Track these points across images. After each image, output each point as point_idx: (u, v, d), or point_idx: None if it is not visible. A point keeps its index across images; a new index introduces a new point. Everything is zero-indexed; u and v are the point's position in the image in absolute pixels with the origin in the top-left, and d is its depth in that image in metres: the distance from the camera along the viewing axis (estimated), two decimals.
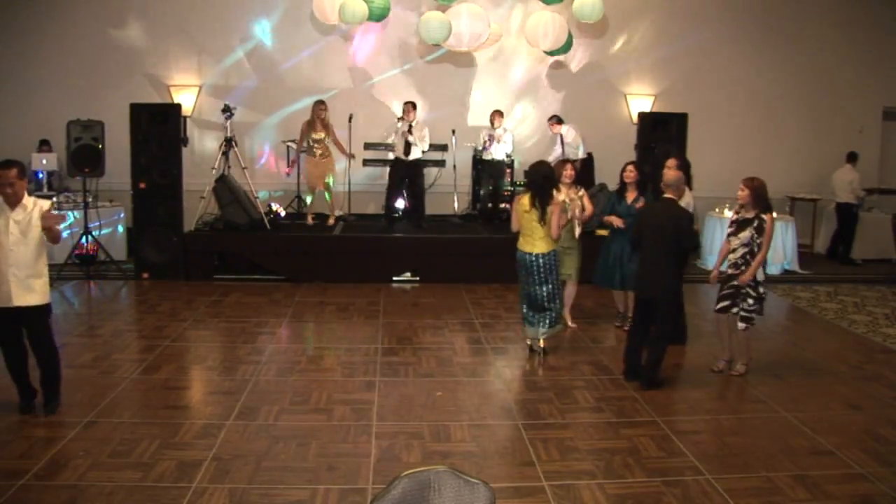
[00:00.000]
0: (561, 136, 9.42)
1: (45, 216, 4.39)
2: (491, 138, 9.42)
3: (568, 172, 6.34)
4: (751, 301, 5.34)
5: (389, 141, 9.56)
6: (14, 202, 4.37)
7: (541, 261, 5.67)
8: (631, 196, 6.41)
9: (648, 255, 5.23)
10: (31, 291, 4.40)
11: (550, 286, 5.71)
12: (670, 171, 5.50)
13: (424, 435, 4.35)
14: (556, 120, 9.50)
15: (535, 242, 5.67)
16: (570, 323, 6.71)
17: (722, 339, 5.64)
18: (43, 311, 4.51)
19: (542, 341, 5.85)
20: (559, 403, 4.92)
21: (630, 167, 6.47)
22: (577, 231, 6.35)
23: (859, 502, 3.68)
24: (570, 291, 6.61)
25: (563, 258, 6.17)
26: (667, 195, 5.28)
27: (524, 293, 5.84)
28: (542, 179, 5.66)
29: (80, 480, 3.70)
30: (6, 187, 4.31)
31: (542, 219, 5.60)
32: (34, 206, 4.44)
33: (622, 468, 3.99)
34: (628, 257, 6.25)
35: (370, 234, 8.85)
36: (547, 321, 5.79)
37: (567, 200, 6.08)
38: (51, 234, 4.44)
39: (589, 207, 6.35)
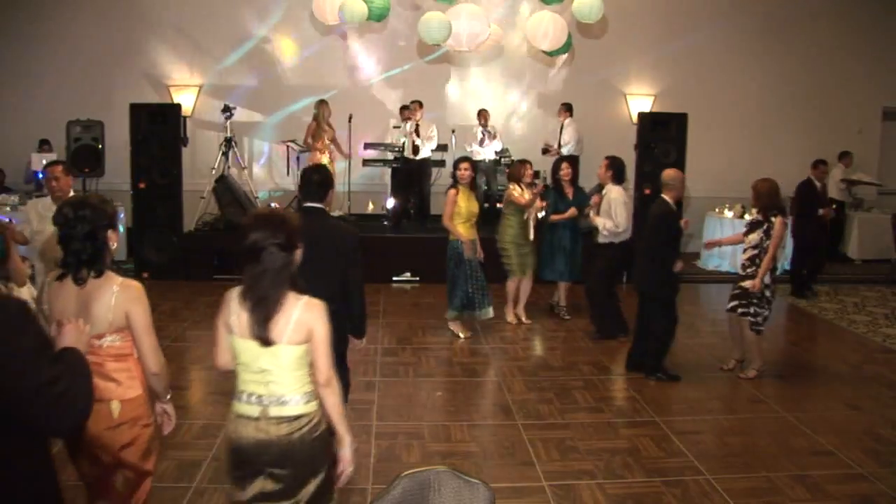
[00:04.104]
0: (562, 126, 9.41)
1: None
2: (486, 135, 9.43)
3: (528, 171, 6.62)
4: (758, 308, 5.30)
5: (389, 140, 9.55)
6: (58, 198, 4.62)
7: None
8: (569, 192, 6.83)
9: (640, 249, 5.50)
10: None
11: (447, 273, 6.20)
12: (667, 170, 5.54)
13: (424, 435, 4.35)
14: (566, 108, 9.49)
15: None
16: (523, 319, 6.84)
17: (733, 339, 5.64)
18: None
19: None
20: (559, 403, 4.93)
21: (565, 164, 6.88)
22: (531, 233, 6.62)
23: (859, 502, 3.69)
24: (524, 287, 6.79)
25: (518, 256, 6.57)
26: (662, 194, 5.36)
27: None
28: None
29: (81, 480, 3.69)
30: (51, 181, 4.70)
31: None
32: None
33: (622, 468, 3.99)
34: (556, 250, 6.76)
35: (370, 234, 8.85)
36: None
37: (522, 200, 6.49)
38: None
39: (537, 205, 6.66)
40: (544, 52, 7.51)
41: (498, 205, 9.41)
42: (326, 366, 2.36)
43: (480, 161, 9.54)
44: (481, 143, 9.47)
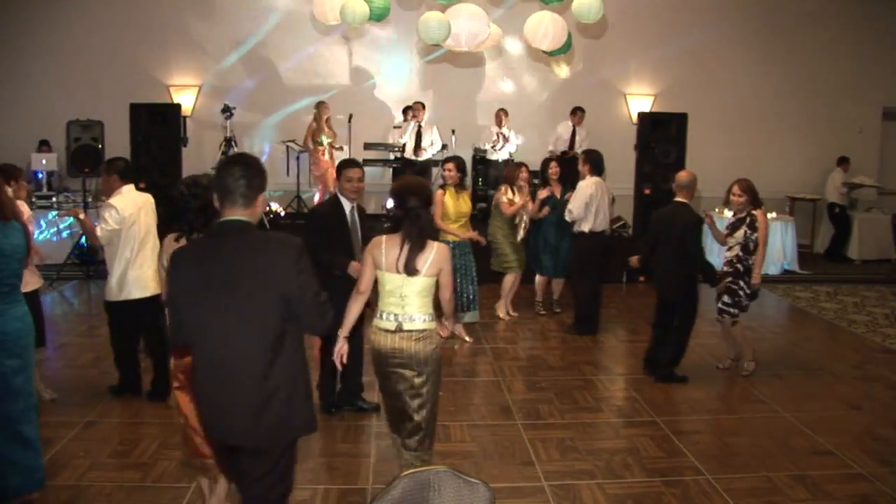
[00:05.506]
0: (574, 129, 9.36)
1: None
2: (500, 137, 9.35)
3: (523, 175, 6.66)
4: (735, 297, 5.34)
5: (390, 140, 9.53)
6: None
7: None
8: (556, 190, 6.89)
9: (662, 258, 5.29)
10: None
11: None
12: (681, 173, 5.51)
13: None
14: (581, 112, 9.42)
15: None
16: (511, 312, 6.99)
17: (726, 338, 5.64)
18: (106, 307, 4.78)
19: None
20: (559, 403, 4.92)
21: (553, 163, 7.00)
22: (521, 233, 6.73)
23: (859, 502, 3.68)
24: (511, 281, 6.93)
25: (514, 252, 6.71)
26: (678, 198, 5.30)
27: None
28: None
29: (80, 480, 3.70)
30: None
31: None
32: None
33: (622, 468, 3.99)
34: (541, 246, 6.84)
35: (370, 234, 8.82)
36: None
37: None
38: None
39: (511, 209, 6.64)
40: (544, 52, 7.51)
41: None
42: (449, 292, 3.31)
43: (493, 162, 9.49)
44: (494, 147, 9.40)
